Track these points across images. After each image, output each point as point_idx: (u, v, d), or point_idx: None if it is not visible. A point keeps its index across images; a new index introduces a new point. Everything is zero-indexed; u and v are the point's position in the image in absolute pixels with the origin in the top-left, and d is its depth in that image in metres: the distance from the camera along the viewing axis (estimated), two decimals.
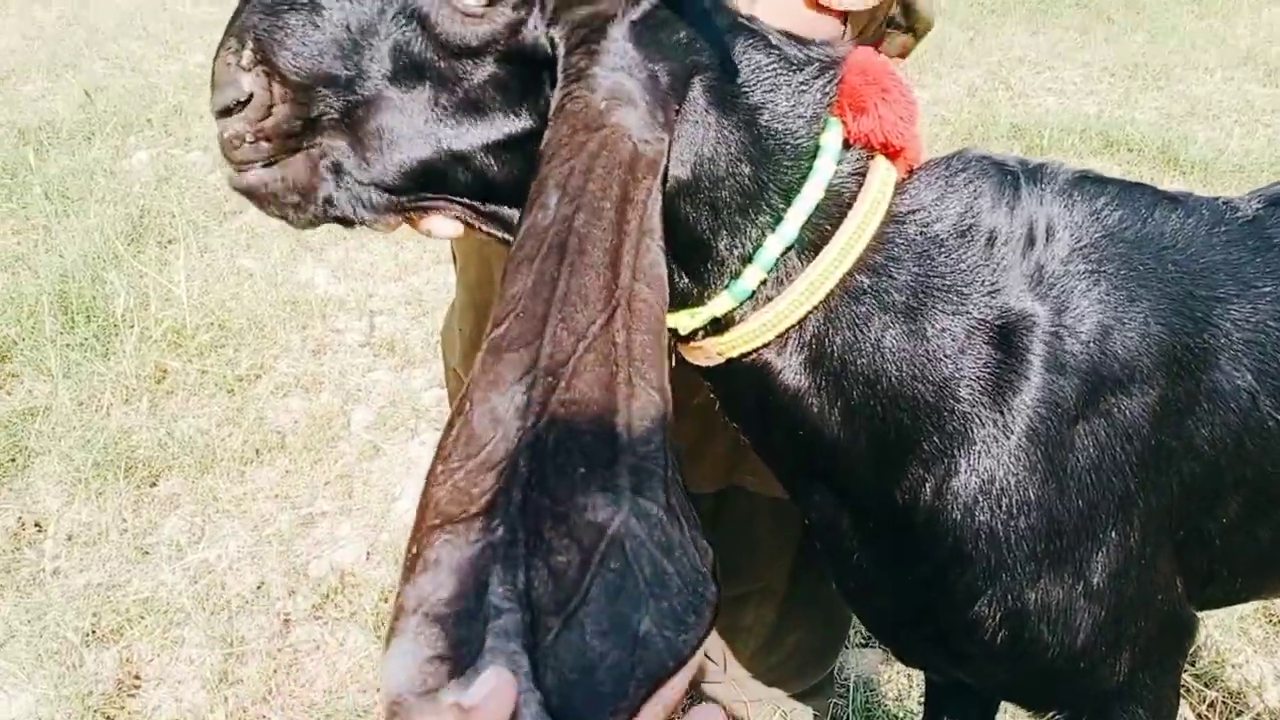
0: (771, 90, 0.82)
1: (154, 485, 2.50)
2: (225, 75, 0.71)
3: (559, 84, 0.71)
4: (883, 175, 0.86)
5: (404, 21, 0.72)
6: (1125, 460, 0.90)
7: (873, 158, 0.86)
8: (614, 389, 0.61)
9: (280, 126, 0.71)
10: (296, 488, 2.52)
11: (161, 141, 4.61)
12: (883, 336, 0.86)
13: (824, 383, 0.87)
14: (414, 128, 0.74)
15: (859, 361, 0.87)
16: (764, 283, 0.84)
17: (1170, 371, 0.90)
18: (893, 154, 0.85)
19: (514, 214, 0.80)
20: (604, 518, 0.56)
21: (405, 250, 3.65)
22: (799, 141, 0.83)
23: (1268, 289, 0.93)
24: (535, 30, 0.73)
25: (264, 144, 0.72)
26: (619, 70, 0.70)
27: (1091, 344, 0.88)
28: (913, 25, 1.16)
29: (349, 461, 2.61)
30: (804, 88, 0.83)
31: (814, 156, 0.84)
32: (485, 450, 0.57)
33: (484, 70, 0.73)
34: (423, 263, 3.57)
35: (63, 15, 6.73)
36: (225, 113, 0.71)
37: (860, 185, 0.84)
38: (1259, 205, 0.98)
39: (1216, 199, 0.99)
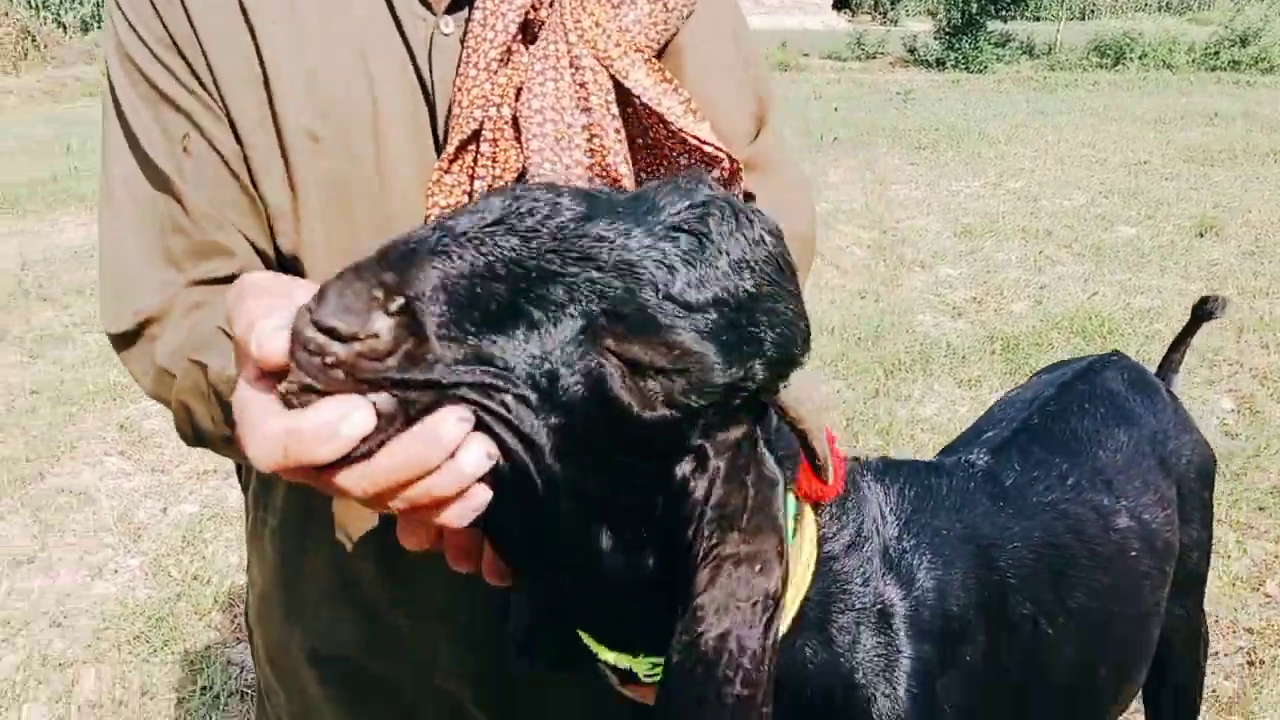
0: None
1: None
2: (358, 304, 0.59)
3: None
4: (800, 508, 0.90)
5: (580, 375, 0.65)
6: (976, 702, 1.05)
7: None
8: None
9: (384, 376, 0.59)
10: None
11: None
12: (804, 650, 0.93)
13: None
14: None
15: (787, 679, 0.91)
16: None
17: (985, 614, 1.08)
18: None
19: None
20: None
21: None
22: None
23: (1015, 529, 1.16)
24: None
25: (338, 379, 0.59)
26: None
27: (936, 608, 1.03)
28: None
29: None
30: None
31: None
32: None
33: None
34: None
35: None
36: (330, 333, 0.58)
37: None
38: (987, 457, 1.22)
39: (957, 458, 1.21)
